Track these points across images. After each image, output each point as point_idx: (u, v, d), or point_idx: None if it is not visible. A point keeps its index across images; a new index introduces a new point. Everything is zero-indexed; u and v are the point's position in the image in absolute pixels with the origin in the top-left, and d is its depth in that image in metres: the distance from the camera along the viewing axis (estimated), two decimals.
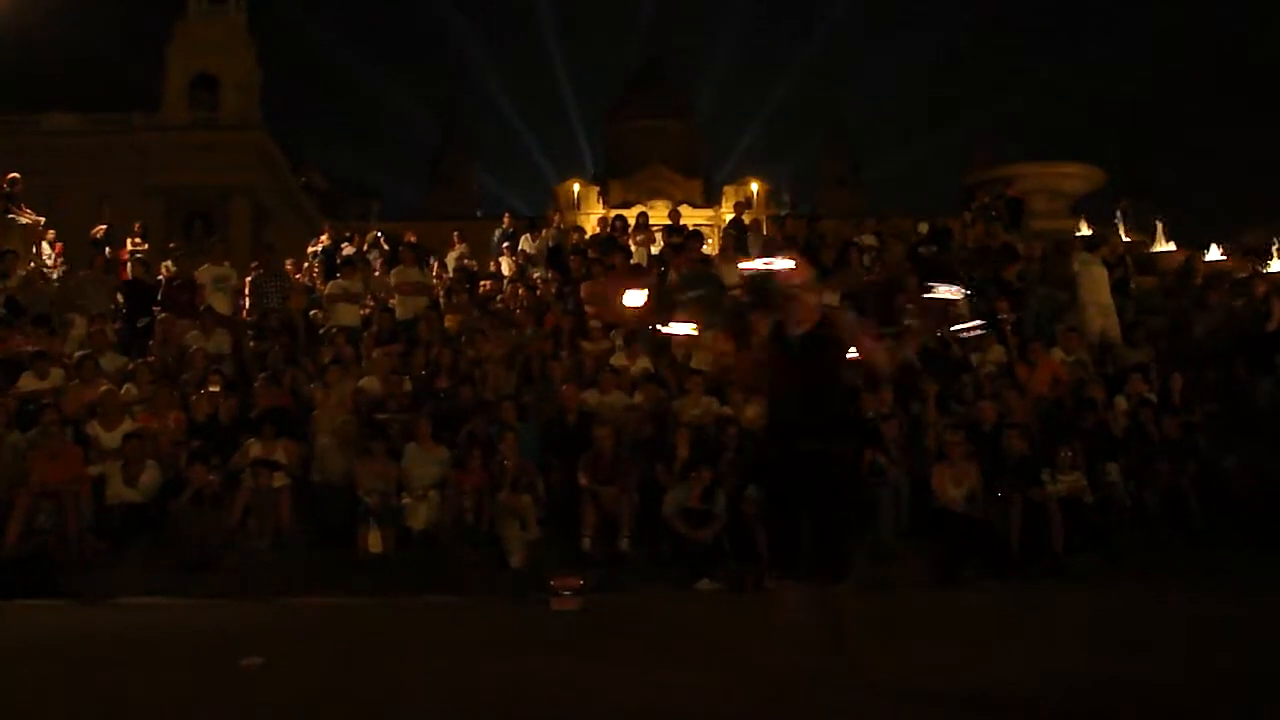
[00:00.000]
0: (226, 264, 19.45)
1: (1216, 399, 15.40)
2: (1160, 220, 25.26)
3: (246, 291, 19.01)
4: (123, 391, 14.80)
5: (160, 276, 19.99)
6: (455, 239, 24.32)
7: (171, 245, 23.80)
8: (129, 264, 20.58)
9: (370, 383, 15.03)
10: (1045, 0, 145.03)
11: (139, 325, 17.96)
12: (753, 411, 13.97)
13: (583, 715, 6.59)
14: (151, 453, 13.46)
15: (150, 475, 13.21)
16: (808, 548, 6.74)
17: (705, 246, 19.85)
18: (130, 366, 15.75)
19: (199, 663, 8.30)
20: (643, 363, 15.71)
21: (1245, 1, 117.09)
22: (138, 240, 23.10)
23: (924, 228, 22.15)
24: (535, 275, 20.90)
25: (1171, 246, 24.13)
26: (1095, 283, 17.38)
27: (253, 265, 20.26)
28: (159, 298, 18.37)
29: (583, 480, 13.03)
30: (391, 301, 18.76)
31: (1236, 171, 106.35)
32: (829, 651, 6.69)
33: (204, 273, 18.83)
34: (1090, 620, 9.74)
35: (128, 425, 13.95)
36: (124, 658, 8.61)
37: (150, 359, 16.22)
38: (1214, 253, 23.70)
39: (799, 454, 6.79)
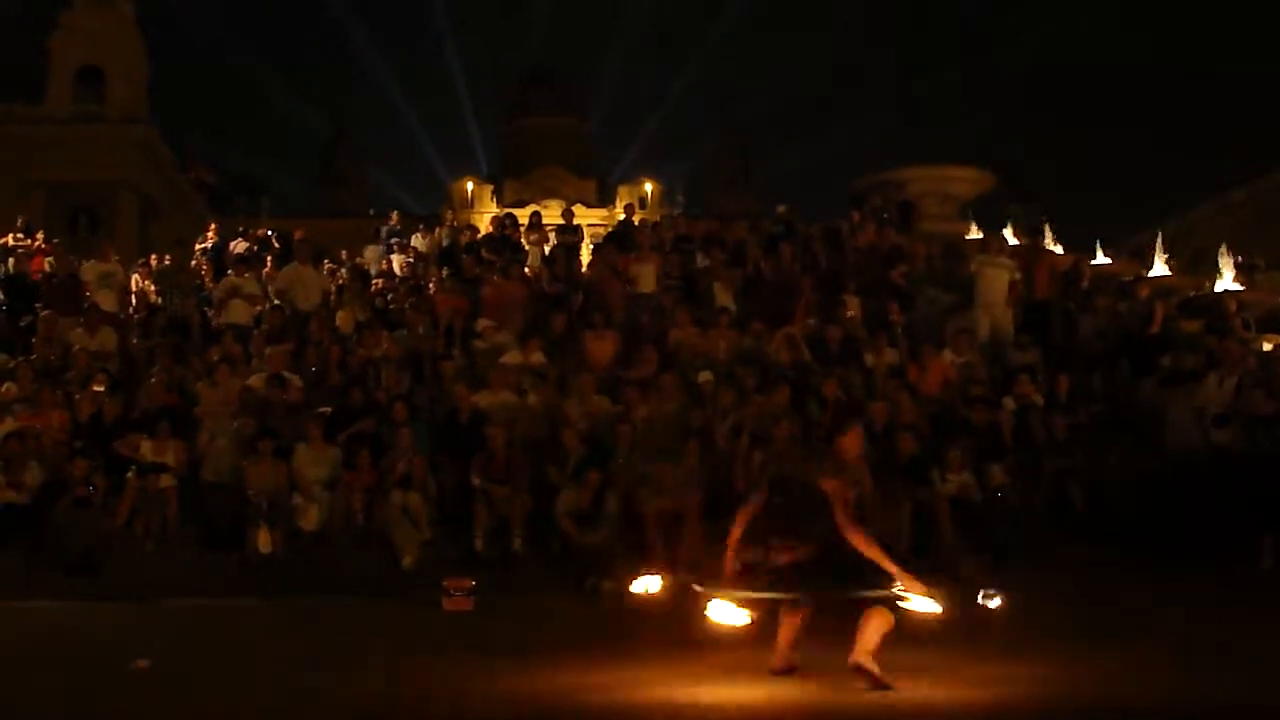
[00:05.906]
0: (114, 260, 19.14)
1: (1101, 400, 15.69)
2: (1048, 224, 25.56)
3: (152, 284, 18.73)
4: (3, 390, 14.56)
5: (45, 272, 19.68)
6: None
7: (55, 241, 23.33)
8: (11, 260, 20.21)
9: (258, 381, 14.82)
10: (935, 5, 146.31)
11: (21, 323, 17.58)
12: (645, 410, 14.00)
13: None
14: (34, 452, 13.19)
15: (32, 475, 12.94)
16: None
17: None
18: (11, 365, 15.45)
19: (85, 665, 8.15)
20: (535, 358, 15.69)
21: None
22: (20, 235, 22.63)
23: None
24: (429, 273, 20.88)
25: (1059, 250, 24.43)
26: (991, 283, 17.50)
27: (151, 258, 20.04)
28: (41, 294, 18.02)
29: (475, 480, 12.98)
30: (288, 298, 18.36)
31: (1124, 176, 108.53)
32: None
33: (89, 269, 18.52)
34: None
35: (9, 425, 13.70)
36: (3, 660, 8.46)
37: (32, 357, 15.89)
38: (1100, 256, 24.07)
39: None
